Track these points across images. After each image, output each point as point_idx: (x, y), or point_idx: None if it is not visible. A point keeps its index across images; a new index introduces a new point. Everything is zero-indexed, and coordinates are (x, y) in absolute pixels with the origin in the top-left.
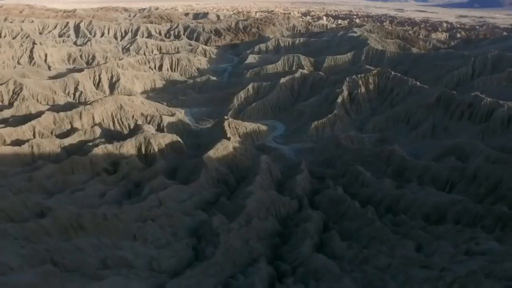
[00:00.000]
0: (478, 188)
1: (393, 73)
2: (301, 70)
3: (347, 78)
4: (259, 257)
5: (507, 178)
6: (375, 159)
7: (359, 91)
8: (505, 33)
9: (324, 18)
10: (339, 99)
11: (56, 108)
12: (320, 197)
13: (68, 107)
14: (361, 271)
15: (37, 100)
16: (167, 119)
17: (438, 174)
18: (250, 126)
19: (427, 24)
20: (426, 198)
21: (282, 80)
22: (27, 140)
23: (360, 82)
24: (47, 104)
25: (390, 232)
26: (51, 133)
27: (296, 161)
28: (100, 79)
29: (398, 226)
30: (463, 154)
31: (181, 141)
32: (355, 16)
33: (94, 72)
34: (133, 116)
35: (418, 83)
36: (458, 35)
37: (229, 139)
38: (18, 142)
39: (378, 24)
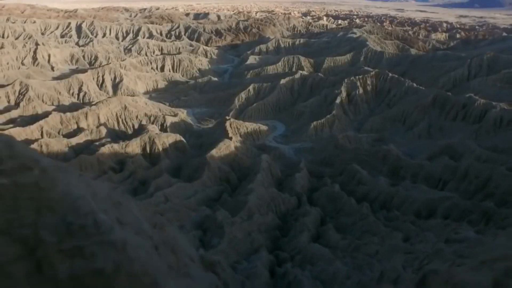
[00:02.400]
0: (469, 186)
1: (390, 74)
2: (301, 71)
3: (346, 79)
4: (260, 247)
5: (495, 177)
6: (371, 158)
7: (357, 92)
8: (504, 34)
9: (324, 18)
10: (338, 100)
11: (61, 109)
12: (318, 194)
13: (73, 107)
14: (352, 257)
15: (43, 100)
16: (170, 119)
17: (431, 173)
18: (251, 126)
19: (427, 24)
20: (418, 195)
21: (282, 81)
22: (36, 140)
23: (358, 83)
24: (52, 105)
25: (382, 226)
26: (58, 133)
27: (295, 160)
28: (103, 79)
29: (391, 221)
30: (456, 154)
31: (184, 141)
32: (355, 16)
33: (98, 73)
34: (137, 116)
35: (415, 84)
36: (458, 36)
37: (230, 138)
38: (27, 142)
39: (378, 24)
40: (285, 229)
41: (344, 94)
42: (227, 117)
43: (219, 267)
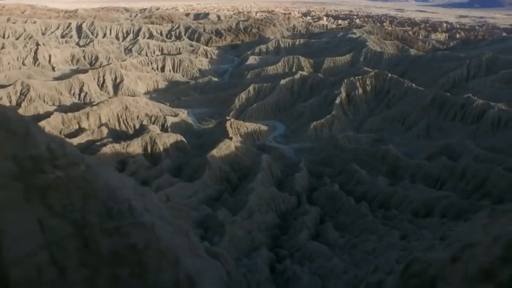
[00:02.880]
0: (466, 185)
1: (389, 75)
2: (300, 72)
3: (345, 80)
4: (260, 245)
5: (492, 176)
6: (370, 158)
7: (356, 92)
8: (504, 34)
9: (324, 18)
10: (337, 100)
11: (63, 109)
12: (317, 194)
13: (74, 107)
14: (349, 254)
15: (44, 100)
16: (170, 120)
17: (429, 172)
18: (251, 126)
19: (427, 25)
20: (416, 195)
21: (282, 81)
22: None
23: (358, 84)
24: (54, 105)
25: (380, 224)
26: (60, 133)
27: (295, 160)
28: (104, 80)
29: (389, 219)
30: (454, 154)
31: (185, 141)
32: (355, 17)
33: (99, 73)
34: (138, 117)
35: (414, 85)
36: (458, 36)
37: (231, 139)
38: None
39: (378, 24)
40: (285, 228)
41: (343, 94)
42: (228, 117)
43: (222, 258)
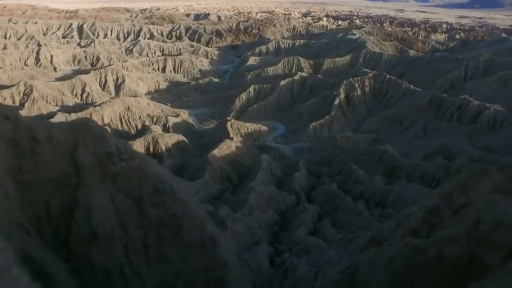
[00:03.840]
0: None
1: (388, 76)
2: (300, 73)
3: (344, 81)
4: (260, 240)
5: None
6: (368, 158)
7: (355, 93)
8: (503, 35)
9: (325, 19)
10: (336, 101)
11: (66, 109)
12: (316, 193)
13: (77, 108)
14: (345, 248)
15: (47, 101)
16: (172, 120)
17: (425, 172)
18: (251, 126)
19: (427, 25)
20: (412, 194)
21: (282, 82)
22: None
23: (357, 85)
24: (56, 105)
25: (375, 221)
26: None
27: (295, 160)
28: (106, 80)
29: (385, 217)
30: (450, 154)
31: (187, 141)
32: (355, 17)
33: (100, 74)
34: (140, 117)
35: (412, 86)
36: (457, 36)
37: (231, 139)
38: None
39: (378, 25)
40: (284, 225)
41: (342, 95)
42: (228, 118)
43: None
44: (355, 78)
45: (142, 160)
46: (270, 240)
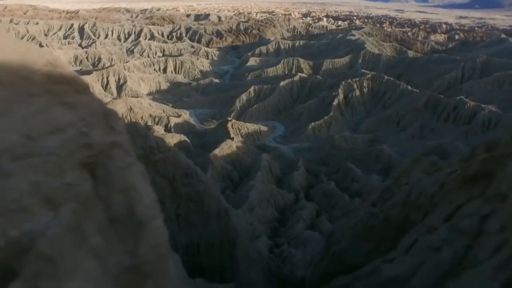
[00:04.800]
0: None
1: (386, 77)
2: (300, 74)
3: (343, 82)
4: (260, 234)
5: None
6: (365, 158)
7: (354, 94)
8: (503, 35)
9: (325, 19)
10: (335, 102)
11: None
12: (314, 191)
13: None
14: None
15: None
16: (174, 120)
17: None
18: (251, 127)
19: (427, 26)
20: None
21: (282, 83)
22: None
23: (355, 86)
24: None
25: None
26: None
27: (294, 159)
28: (108, 81)
29: None
30: (445, 154)
31: (188, 141)
32: (355, 17)
33: (102, 75)
34: (142, 117)
35: (409, 87)
36: (457, 37)
37: (232, 139)
38: None
39: (378, 25)
40: (283, 221)
41: (341, 96)
42: (229, 118)
43: None
44: (354, 79)
45: (175, 152)
46: (269, 235)
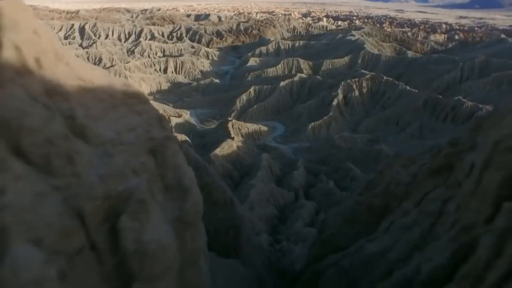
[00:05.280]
0: None
1: (385, 77)
2: (300, 74)
3: (342, 82)
4: (260, 231)
5: None
6: (364, 157)
7: (353, 94)
8: (502, 35)
9: (324, 19)
10: (335, 102)
11: None
12: (314, 190)
13: None
14: None
15: None
16: (174, 120)
17: None
18: (252, 127)
19: (427, 26)
20: None
21: (282, 83)
22: None
23: (355, 86)
24: None
25: None
26: None
27: (293, 159)
28: None
29: None
30: None
31: (189, 141)
32: (355, 17)
33: None
34: None
35: (408, 87)
36: (456, 37)
37: (233, 138)
38: None
39: (378, 25)
40: (283, 219)
41: (340, 96)
42: (229, 118)
43: None
44: (353, 80)
45: (187, 148)
46: (269, 232)
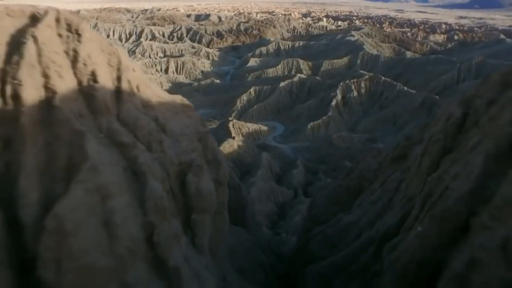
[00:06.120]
0: None
1: (383, 78)
2: (299, 75)
3: (341, 83)
4: (261, 223)
5: None
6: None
7: (352, 95)
8: (502, 36)
9: (324, 19)
10: (333, 102)
11: None
12: (312, 188)
13: None
14: None
15: None
16: None
17: None
18: (252, 126)
19: (426, 26)
20: None
21: (282, 84)
22: None
23: (353, 87)
24: None
25: None
26: None
27: (293, 158)
28: None
29: None
30: None
31: None
32: (355, 17)
33: None
34: None
35: (405, 88)
36: (456, 37)
37: (233, 138)
38: None
39: (378, 25)
40: (283, 215)
41: (339, 96)
42: (230, 118)
43: None
44: (352, 80)
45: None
46: (269, 227)
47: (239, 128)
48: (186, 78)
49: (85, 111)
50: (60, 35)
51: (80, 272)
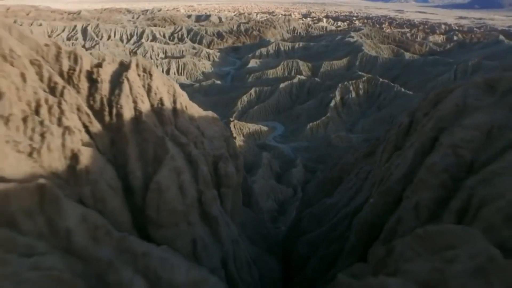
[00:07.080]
0: None
1: (381, 79)
2: (299, 76)
3: (340, 84)
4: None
5: None
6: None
7: (350, 96)
8: (501, 37)
9: (324, 20)
10: (332, 103)
11: None
12: (309, 185)
13: None
14: None
15: None
16: None
17: None
18: (253, 127)
19: (426, 26)
20: None
21: (282, 85)
22: None
23: (352, 88)
24: None
25: None
26: None
27: (292, 157)
28: None
29: None
30: None
31: None
32: (354, 18)
33: None
34: None
35: (403, 89)
36: (455, 38)
37: (235, 138)
38: None
39: (377, 26)
40: (282, 212)
41: (338, 97)
42: (231, 119)
43: None
44: (350, 81)
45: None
46: (269, 222)
47: (240, 129)
48: (187, 79)
49: (157, 123)
50: (139, 75)
51: (169, 212)
